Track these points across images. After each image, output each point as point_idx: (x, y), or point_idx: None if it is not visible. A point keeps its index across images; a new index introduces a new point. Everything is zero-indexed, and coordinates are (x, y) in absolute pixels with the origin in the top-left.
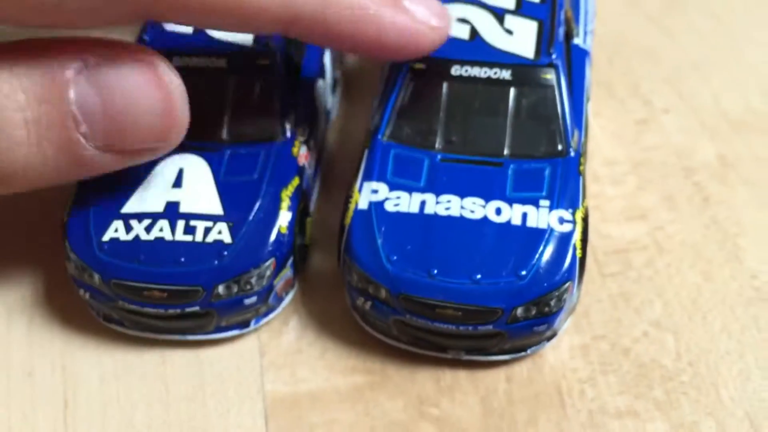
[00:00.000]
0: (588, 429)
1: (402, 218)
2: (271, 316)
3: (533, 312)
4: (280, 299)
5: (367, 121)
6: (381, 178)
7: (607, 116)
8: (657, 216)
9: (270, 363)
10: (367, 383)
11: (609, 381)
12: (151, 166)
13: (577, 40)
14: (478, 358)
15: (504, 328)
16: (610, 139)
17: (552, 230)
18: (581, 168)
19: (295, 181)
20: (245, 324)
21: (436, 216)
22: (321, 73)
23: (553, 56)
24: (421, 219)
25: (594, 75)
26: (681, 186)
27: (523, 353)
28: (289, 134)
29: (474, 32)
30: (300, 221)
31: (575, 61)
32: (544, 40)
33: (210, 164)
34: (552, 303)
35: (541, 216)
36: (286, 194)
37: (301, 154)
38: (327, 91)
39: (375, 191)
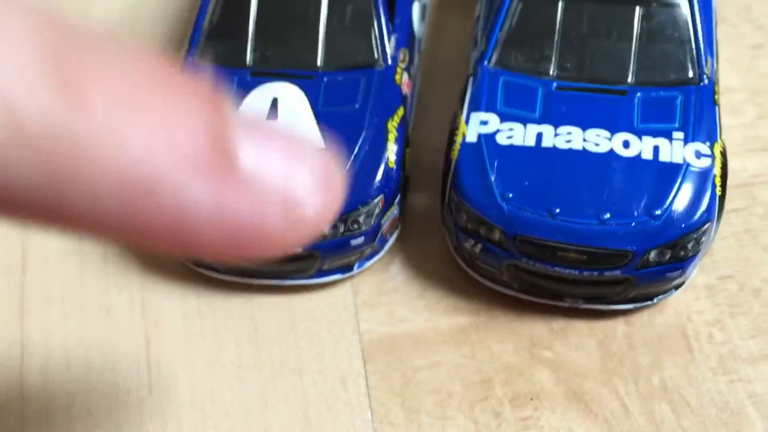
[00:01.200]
0: (720, 375)
1: (517, 152)
2: (374, 259)
3: (667, 256)
4: (384, 240)
5: (462, 45)
6: (490, 108)
7: (719, 42)
8: None
9: (364, 302)
10: (472, 324)
11: (739, 324)
12: (242, 95)
13: None
14: (598, 306)
15: (633, 273)
16: (723, 65)
17: (688, 165)
18: (716, 97)
19: (401, 111)
20: (348, 267)
21: (555, 149)
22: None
23: None
24: (538, 153)
25: None
26: None
27: (648, 302)
28: (390, 60)
29: None
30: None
31: None
32: None
33: (306, 93)
34: (689, 246)
35: (676, 149)
36: (392, 125)
37: (404, 81)
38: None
39: (485, 122)
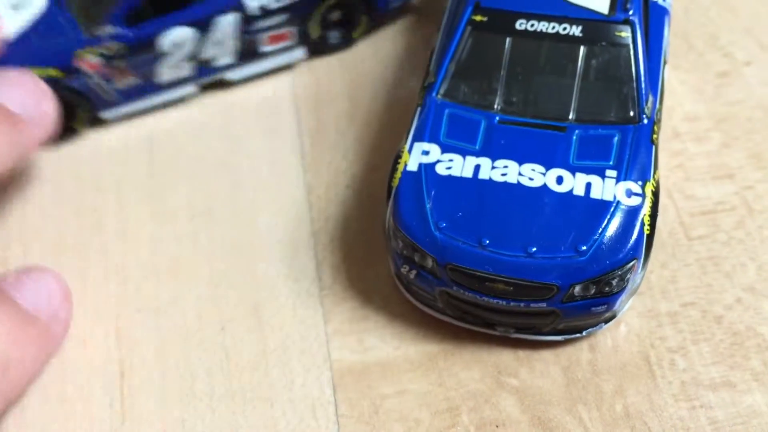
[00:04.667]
0: (681, 401)
1: (454, 182)
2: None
3: (592, 291)
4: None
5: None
6: (433, 139)
7: (685, 69)
8: (745, 175)
9: (335, 330)
10: (440, 351)
11: (701, 350)
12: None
13: None
14: (528, 337)
15: (559, 306)
16: (690, 93)
17: (618, 203)
18: (654, 137)
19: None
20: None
21: (491, 182)
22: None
23: (630, 12)
24: (474, 184)
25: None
26: None
27: (577, 335)
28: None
29: None
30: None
31: (653, 19)
32: None
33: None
34: (614, 282)
35: (607, 187)
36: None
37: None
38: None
39: (426, 152)
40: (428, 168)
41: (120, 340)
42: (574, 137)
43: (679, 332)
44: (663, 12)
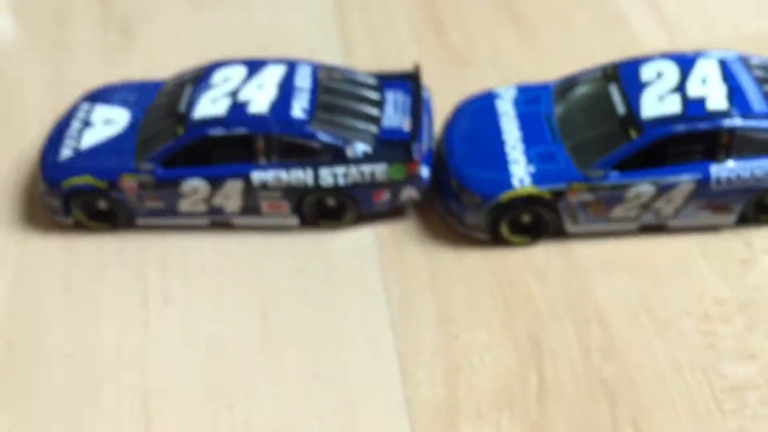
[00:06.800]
0: None
1: None
2: None
3: None
4: None
5: None
6: None
7: (713, 255)
8: (766, 356)
9: None
10: None
11: None
12: None
13: None
14: None
15: None
16: (717, 279)
17: None
18: None
19: None
20: None
21: None
22: None
23: None
24: None
25: None
26: None
27: None
28: None
29: None
30: None
31: None
32: None
33: None
34: None
35: None
36: None
37: None
38: None
39: None
40: None
41: None
42: None
43: None
44: None
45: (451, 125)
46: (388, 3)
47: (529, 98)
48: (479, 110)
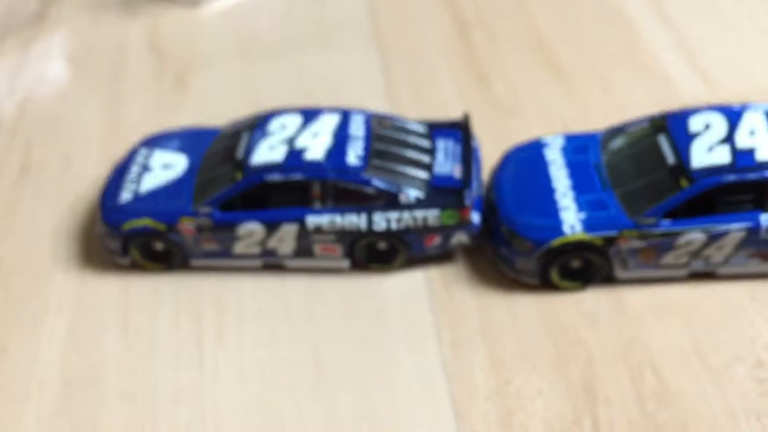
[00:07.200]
0: None
1: None
2: None
3: None
4: None
5: None
6: None
7: (761, 302)
8: None
9: None
10: None
11: None
12: None
13: None
14: None
15: None
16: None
17: None
18: None
19: None
20: None
21: None
22: None
23: None
24: None
25: None
26: None
27: None
28: None
29: None
30: None
31: None
32: None
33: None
34: None
35: None
36: None
37: None
38: None
39: None
40: None
41: None
42: None
43: None
44: None
45: (499, 173)
46: (431, 56)
47: (577, 147)
48: (528, 158)
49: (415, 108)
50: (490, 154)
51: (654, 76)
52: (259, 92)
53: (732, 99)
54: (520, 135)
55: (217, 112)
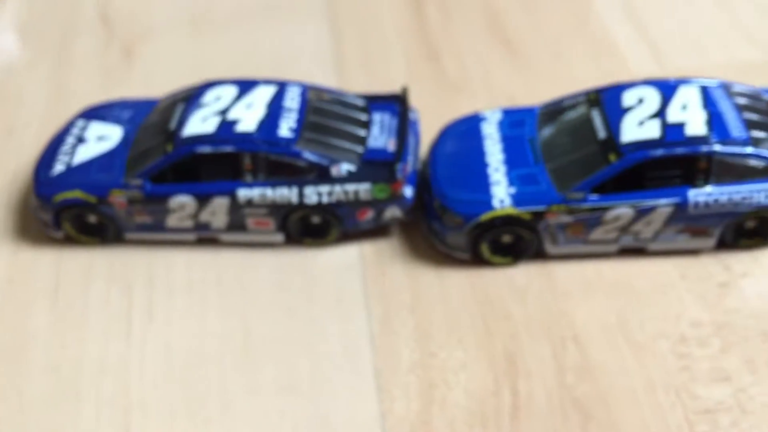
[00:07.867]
0: None
1: None
2: None
3: None
4: None
5: None
6: None
7: (692, 279)
8: (739, 378)
9: None
10: None
11: None
12: None
13: None
14: None
15: None
16: (695, 301)
17: None
18: None
19: None
20: None
21: None
22: None
23: None
24: None
25: None
26: (760, 349)
27: None
28: None
29: None
30: None
31: None
32: None
33: None
34: None
35: None
36: None
37: None
38: None
39: None
40: None
41: None
42: None
43: None
44: None
45: (436, 147)
46: (383, 30)
47: (514, 121)
48: (464, 132)
49: (364, 82)
50: (435, 129)
51: (605, 50)
52: (208, 65)
53: (680, 74)
54: (466, 110)
55: (164, 84)
